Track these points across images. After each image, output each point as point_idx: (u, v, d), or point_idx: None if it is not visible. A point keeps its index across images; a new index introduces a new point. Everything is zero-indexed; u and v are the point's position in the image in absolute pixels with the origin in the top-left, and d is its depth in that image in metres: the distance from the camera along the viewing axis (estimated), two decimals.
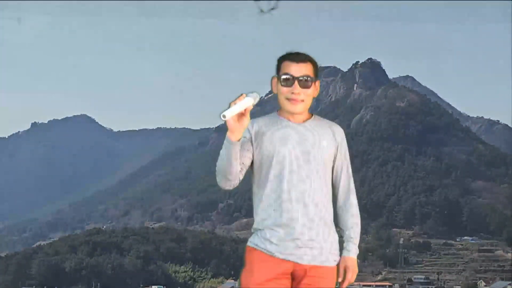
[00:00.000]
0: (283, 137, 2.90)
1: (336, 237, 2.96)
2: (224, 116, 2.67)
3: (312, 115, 3.00)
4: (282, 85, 2.90)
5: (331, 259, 2.92)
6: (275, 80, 2.94)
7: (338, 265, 2.95)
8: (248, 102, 2.72)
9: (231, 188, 2.88)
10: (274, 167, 2.89)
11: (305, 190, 2.86)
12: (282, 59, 2.94)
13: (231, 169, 2.81)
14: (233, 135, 2.74)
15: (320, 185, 2.90)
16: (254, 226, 2.95)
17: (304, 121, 2.95)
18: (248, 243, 2.94)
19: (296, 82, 2.88)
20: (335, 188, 3.00)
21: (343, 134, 3.00)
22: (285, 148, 2.89)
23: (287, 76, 2.88)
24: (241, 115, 2.72)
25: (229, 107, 2.69)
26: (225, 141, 2.77)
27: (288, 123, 2.94)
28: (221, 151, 2.80)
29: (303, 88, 2.88)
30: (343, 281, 2.94)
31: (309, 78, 2.89)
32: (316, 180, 2.89)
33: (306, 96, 2.89)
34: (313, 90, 2.93)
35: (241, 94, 2.74)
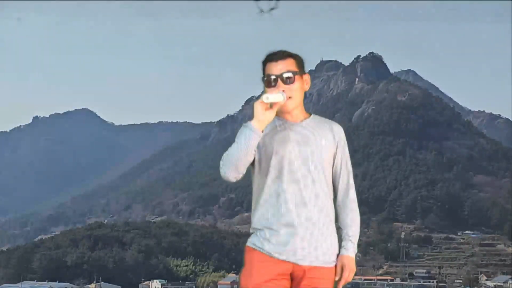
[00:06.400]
0: (283, 137, 2.86)
1: (335, 237, 2.92)
2: (267, 98, 2.72)
3: (311, 114, 2.95)
4: (268, 87, 2.86)
5: (330, 259, 2.88)
6: None
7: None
8: (280, 97, 2.76)
9: (234, 180, 2.80)
10: (273, 167, 2.84)
11: (305, 190, 2.83)
12: (264, 63, 2.88)
13: (247, 159, 2.76)
14: (259, 124, 2.73)
15: (320, 184, 2.86)
16: (253, 225, 2.90)
17: (302, 120, 2.90)
18: (248, 243, 2.90)
19: (279, 81, 2.83)
20: (335, 186, 2.95)
21: (343, 132, 2.95)
22: (285, 147, 2.84)
23: (271, 78, 2.84)
24: (268, 107, 2.75)
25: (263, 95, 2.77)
26: (246, 130, 2.73)
27: (287, 122, 2.89)
28: (238, 140, 2.74)
29: (286, 85, 2.82)
30: (340, 279, 2.91)
31: (290, 73, 2.83)
32: (316, 180, 2.84)
33: (292, 91, 2.83)
34: (300, 84, 2.87)
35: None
